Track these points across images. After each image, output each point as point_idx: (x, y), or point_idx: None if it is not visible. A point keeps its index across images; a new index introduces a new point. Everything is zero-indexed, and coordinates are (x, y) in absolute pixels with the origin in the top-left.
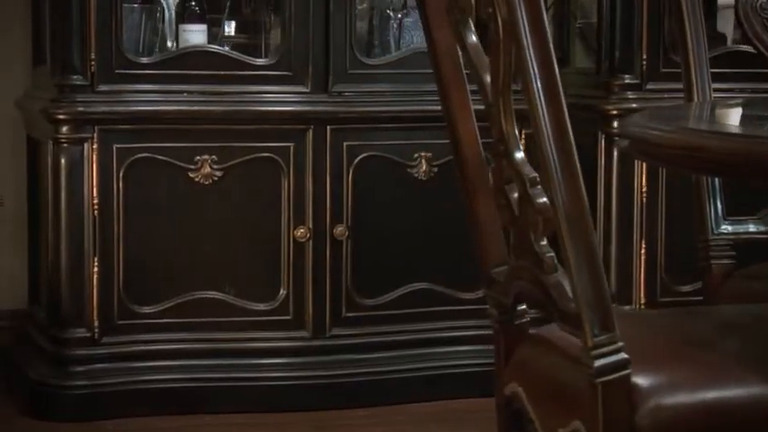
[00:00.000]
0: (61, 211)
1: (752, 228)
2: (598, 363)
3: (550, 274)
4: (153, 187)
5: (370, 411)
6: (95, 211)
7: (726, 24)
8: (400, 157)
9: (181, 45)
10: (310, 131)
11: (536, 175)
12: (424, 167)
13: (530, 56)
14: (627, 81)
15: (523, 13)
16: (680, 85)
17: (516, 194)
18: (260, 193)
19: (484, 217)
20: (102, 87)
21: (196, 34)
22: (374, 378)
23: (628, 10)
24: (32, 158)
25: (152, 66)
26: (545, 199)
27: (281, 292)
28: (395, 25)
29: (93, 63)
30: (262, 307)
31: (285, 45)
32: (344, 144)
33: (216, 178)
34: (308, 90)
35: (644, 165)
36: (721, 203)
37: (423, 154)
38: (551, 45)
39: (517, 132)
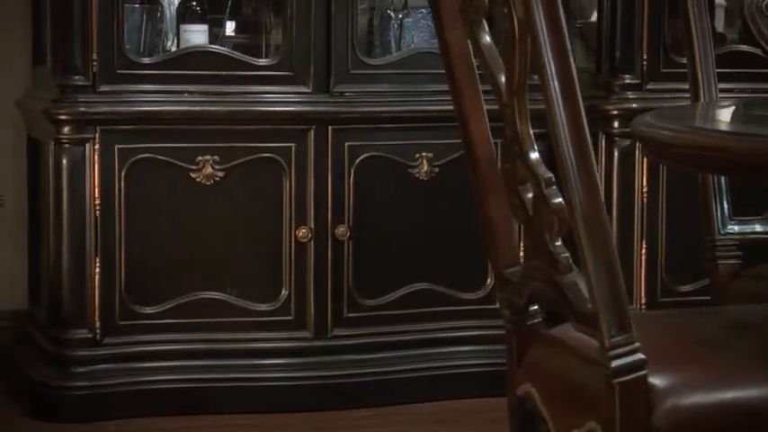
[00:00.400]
0: (63, 212)
1: (758, 228)
2: (615, 363)
3: (566, 274)
4: (154, 188)
5: (372, 412)
6: (97, 212)
7: (717, 24)
8: (401, 158)
9: (182, 45)
10: (312, 132)
11: (551, 175)
12: (425, 168)
13: (547, 55)
14: (627, 81)
15: (541, 12)
16: (680, 85)
17: (530, 195)
18: (261, 193)
19: (496, 217)
20: (104, 88)
21: (197, 34)
22: (376, 378)
23: (628, 10)
24: (33, 159)
25: (154, 66)
26: (560, 199)
27: (283, 292)
28: (395, 25)
29: (94, 63)
30: (263, 307)
31: (287, 45)
32: (346, 144)
33: (217, 179)
34: (309, 90)
35: (644, 165)
36: (728, 203)
37: (424, 154)
38: (568, 44)
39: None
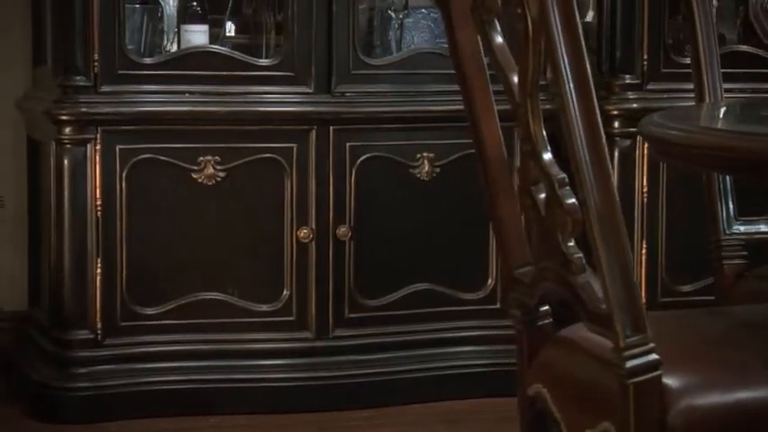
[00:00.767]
0: (64, 212)
1: (763, 228)
2: (630, 364)
3: (579, 274)
4: (156, 188)
5: (374, 412)
6: (98, 212)
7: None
8: (403, 158)
9: (183, 45)
10: (313, 132)
11: (564, 175)
12: (426, 168)
13: (562, 55)
14: (628, 81)
15: (556, 11)
16: (681, 86)
17: (542, 195)
18: (263, 193)
19: (507, 218)
20: (106, 88)
21: (198, 35)
22: (377, 379)
23: (628, 10)
24: (33, 159)
25: (155, 66)
26: (574, 200)
27: (284, 293)
28: (395, 26)
29: (96, 64)
30: (265, 308)
31: (288, 45)
32: (347, 145)
33: (219, 179)
34: (310, 90)
35: (644, 165)
36: (733, 203)
37: (425, 154)
38: (583, 44)
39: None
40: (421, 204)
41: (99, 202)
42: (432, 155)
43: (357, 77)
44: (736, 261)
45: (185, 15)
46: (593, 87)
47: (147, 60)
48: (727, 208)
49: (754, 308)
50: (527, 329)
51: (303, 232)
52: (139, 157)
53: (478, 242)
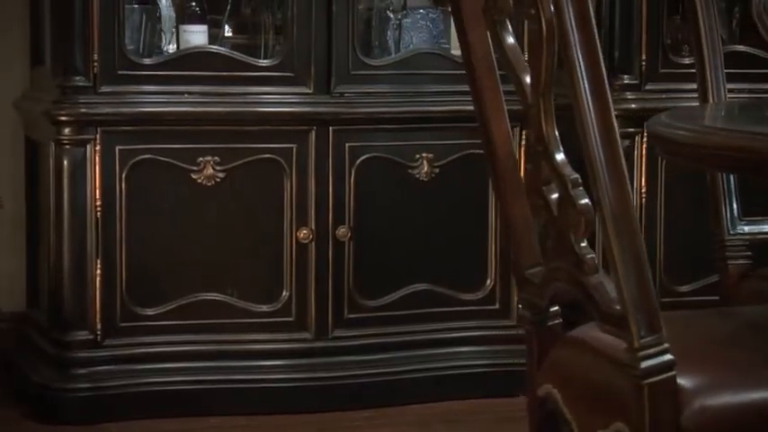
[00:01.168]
0: (63, 213)
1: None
2: (645, 364)
3: (592, 275)
4: (155, 189)
5: (374, 413)
6: (98, 213)
7: None
8: (402, 158)
9: (182, 46)
10: (313, 132)
11: (577, 176)
12: (425, 168)
13: (577, 55)
14: (626, 81)
15: (571, 11)
16: (679, 86)
17: (554, 195)
18: (262, 194)
19: (517, 218)
20: (105, 89)
21: (197, 35)
22: (377, 379)
23: (627, 10)
24: (32, 160)
25: (155, 67)
26: (587, 200)
27: (284, 293)
28: (394, 26)
29: (95, 64)
30: (264, 309)
31: (287, 46)
32: (347, 145)
33: (218, 179)
34: (310, 91)
35: (643, 166)
36: (737, 204)
37: (424, 155)
38: (598, 44)
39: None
40: (420, 205)
41: (98, 203)
42: (431, 155)
43: (356, 78)
44: (741, 261)
45: (184, 16)
46: (608, 87)
47: (147, 61)
48: (732, 208)
49: (761, 308)
50: (537, 330)
51: (303, 233)
52: (139, 158)
53: (478, 242)
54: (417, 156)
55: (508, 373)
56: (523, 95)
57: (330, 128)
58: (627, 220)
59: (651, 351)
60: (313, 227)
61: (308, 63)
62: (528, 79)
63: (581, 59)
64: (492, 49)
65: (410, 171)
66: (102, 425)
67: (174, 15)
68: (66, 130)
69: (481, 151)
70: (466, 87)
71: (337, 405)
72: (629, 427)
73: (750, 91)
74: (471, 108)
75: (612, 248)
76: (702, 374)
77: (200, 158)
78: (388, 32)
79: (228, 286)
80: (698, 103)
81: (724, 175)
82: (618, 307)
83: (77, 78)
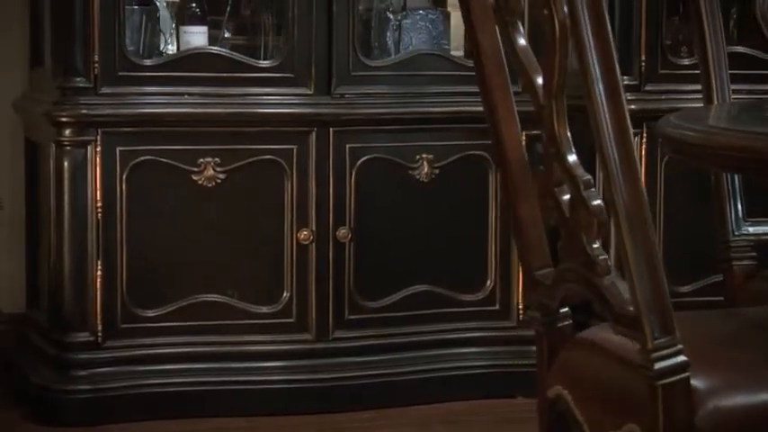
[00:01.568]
0: (64, 215)
1: None
2: (659, 365)
3: (604, 276)
4: (156, 190)
5: (374, 414)
6: (98, 214)
7: None
8: (402, 159)
9: (182, 47)
10: (313, 134)
11: (590, 177)
12: (425, 169)
13: (591, 56)
14: (625, 82)
15: (586, 13)
16: (679, 87)
17: (566, 197)
18: (263, 195)
19: (527, 220)
20: (106, 90)
21: (197, 36)
22: (377, 380)
23: (626, 11)
24: (32, 161)
25: (155, 68)
26: (599, 201)
27: (284, 294)
28: (394, 27)
29: (96, 65)
30: (265, 310)
31: (288, 47)
32: (347, 146)
33: (219, 181)
34: (310, 92)
35: (642, 166)
36: (742, 204)
37: (424, 156)
38: (613, 45)
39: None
40: (420, 206)
41: (99, 204)
42: (431, 156)
43: (357, 79)
44: (745, 262)
45: (184, 17)
46: (622, 88)
47: (147, 62)
48: (736, 209)
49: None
50: (547, 331)
51: (303, 234)
52: (140, 159)
53: (478, 243)
54: (417, 157)
55: (508, 374)
56: (535, 97)
57: (330, 129)
58: (640, 217)
59: (665, 352)
60: (313, 228)
61: (308, 64)
62: (540, 80)
63: (595, 62)
64: (501, 48)
65: (410, 172)
66: (103, 426)
67: (170, 16)
68: (67, 132)
69: (481, 152)
70: (466, 88)
71: (338, 406)
72: (641, 428)
73: (749, 92)
74: (471, 109)
75: (627, 249)
76: (715, 375)
77: (201, 160)
78: (388, 33)
79: (229, 287)
80: (699, 104)
81: (728, 176)
82: (631, 308)
83: (78, 79)
